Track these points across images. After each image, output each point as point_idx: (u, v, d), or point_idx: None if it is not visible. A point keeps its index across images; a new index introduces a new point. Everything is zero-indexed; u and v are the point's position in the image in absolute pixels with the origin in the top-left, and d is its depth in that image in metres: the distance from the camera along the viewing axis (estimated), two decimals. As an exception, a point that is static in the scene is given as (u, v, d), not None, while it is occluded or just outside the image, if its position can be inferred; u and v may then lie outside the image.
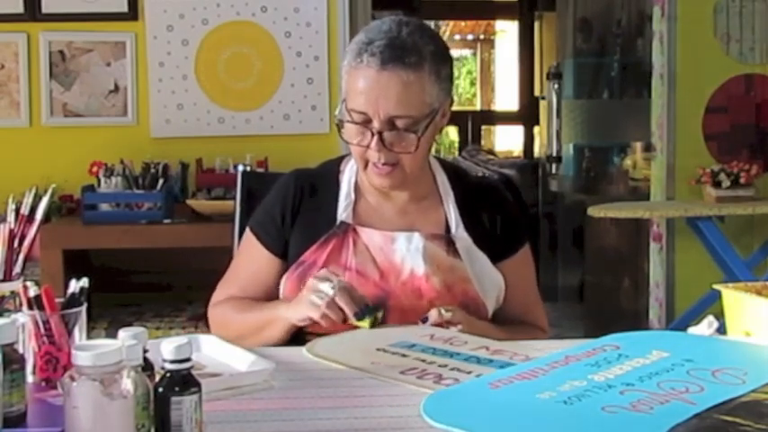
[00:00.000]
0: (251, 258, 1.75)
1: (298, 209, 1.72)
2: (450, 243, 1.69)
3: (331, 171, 1.77)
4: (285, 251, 1.72)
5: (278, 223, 1.72)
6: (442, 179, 1.76)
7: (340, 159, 1.79)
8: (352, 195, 1.71)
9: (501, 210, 1.76)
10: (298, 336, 1.61)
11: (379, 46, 1.56)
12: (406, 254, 1.65)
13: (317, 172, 1.79)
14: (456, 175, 1.78)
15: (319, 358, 1.39)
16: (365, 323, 1.51)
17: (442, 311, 1.54)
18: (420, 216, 1.72)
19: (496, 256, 1.72)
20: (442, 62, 1.62)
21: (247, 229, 1.78)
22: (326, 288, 1.50)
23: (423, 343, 1.45)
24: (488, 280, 1.69)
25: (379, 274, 1.64)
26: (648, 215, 3.88)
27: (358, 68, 1.58)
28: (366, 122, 1.59)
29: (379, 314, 1.53)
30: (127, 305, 3.41)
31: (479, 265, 1.69)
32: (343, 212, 1.69)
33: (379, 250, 1.66)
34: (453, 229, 1.70)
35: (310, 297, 1.51)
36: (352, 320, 1.50)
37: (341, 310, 1.50)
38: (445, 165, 1.80)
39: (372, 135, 1.58)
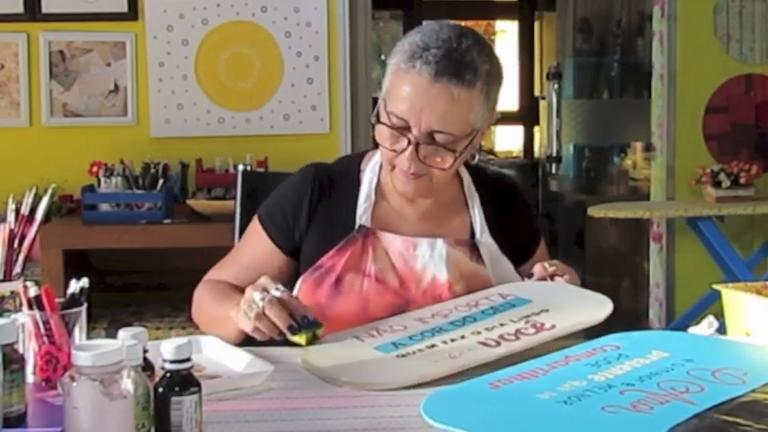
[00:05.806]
0: (252, 245, 1.69)
1: (315, 208, 1.65)
2: (473, 248, 1.63)
3: (351, 169, 1.69)
4: (291, 245, 1.65)
5: (288, 218, 1.65)
6: (468, 181, 1.69)
7: (361, 155, 1.71)
8: (373, 197, 1.63)
9: (520, 210, 1.73)
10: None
11: (435, 54, 1.47)
12: (428, 261, 1.59)
13: (337, 168, 1.70)
14: (477, 173, 1.72)
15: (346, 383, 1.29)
16: (301, 338, 1.37)
17: (546, 265, 1.55)
18: (443, 221, 1.65)
19: (519, 260, 1.69)
20: (494, 83, 1.54)
21: (255, 216, 1.71)
22: (257, 299, 1.38)
23: (409, 334, 1.42)
24: None
25: (399, 281, 1.58)
26: (648, 215, 3.88)
27: (408, 73, 1.49)
28: (404, 129, 1.51)
29: (319, 331, 1.39)
30: (127, 305, 3.41)
31: (502, 270, 1.64)
32: (362, 215, 1.61)
33: (398, 256, 1.59)
34: (478, 234, 1.64)
35: (244, 308, 1.39)
36: (288, 335, 1.37)
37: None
38: (467, 164, 1.71)
39: (409, 143, 1.50)
